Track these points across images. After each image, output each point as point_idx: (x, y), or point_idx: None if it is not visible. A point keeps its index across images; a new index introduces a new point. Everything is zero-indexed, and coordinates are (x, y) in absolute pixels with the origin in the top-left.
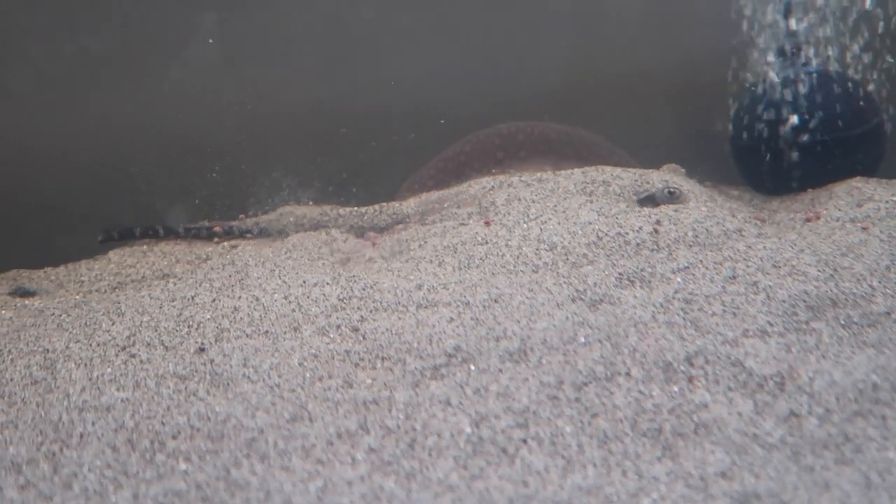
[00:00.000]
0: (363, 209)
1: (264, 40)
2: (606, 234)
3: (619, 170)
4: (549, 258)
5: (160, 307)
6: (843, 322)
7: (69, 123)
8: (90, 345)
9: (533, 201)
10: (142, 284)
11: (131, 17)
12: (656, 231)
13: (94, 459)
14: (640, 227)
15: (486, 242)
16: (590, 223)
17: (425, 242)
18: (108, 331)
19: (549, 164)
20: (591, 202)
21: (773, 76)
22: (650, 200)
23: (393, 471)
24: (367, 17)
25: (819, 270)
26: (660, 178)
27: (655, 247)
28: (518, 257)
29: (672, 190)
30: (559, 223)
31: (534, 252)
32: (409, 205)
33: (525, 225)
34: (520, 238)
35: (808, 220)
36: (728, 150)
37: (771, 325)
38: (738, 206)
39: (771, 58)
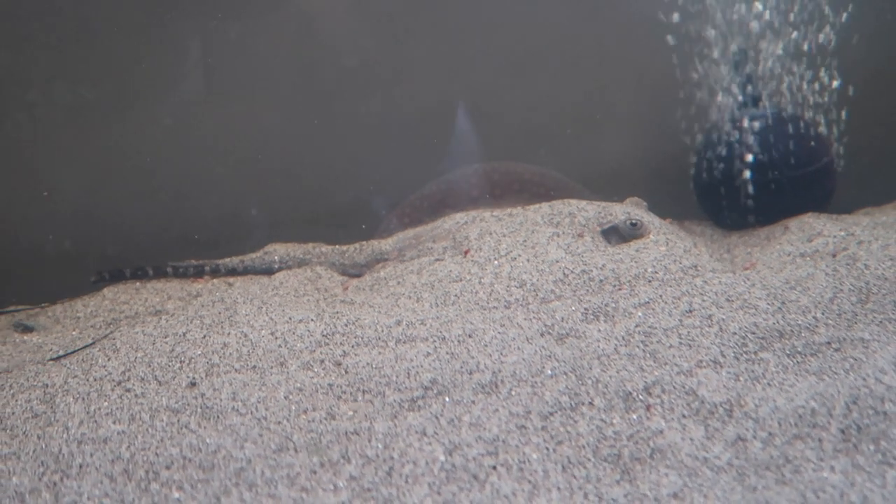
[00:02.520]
0: (345, 247)
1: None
2: (572, 272)
3: (583, 202)
4: (520, 295)
5: (153, 343)
6: (788, 352)
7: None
8: (87, 380)
9: (504, 235)
10: (135, 321)
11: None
12: (621, 288)
13: (92, 489)
14: (604, 265)
15: (461, 280)
16: (557, 261)
17: (403, 280)
18: (105, 366)
19: (522, 203)
20: (559, 235)
21: (732, 119)
22: (613, 231)
23: (372, 497)
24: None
25: (768, 304)
26: (622, 210)
27: (618, 283)
28: (491, 294)
29: (634, 221)
30: (528, 260)
31: (505, 289)
32: (388, 242)
33: (496, 262)
34: (492, 276)
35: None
36: (691, 187)
37: (723, 355)
38: (696, 240)
39: (730, 102)
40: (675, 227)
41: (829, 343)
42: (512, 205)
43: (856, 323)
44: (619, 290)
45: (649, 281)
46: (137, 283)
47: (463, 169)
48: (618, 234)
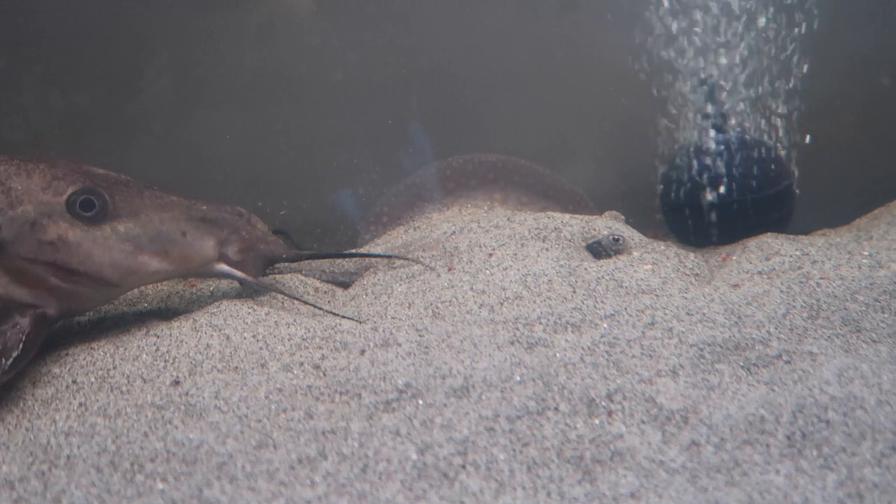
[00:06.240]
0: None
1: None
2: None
3: (567, 216)
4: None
5: (138, 342)
6: (742, 364)
7: None
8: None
9: (494, 248)
10: (120, 320)
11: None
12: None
13: (80, 478)
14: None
15: (453, 286)
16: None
17: (391, 288)
18: (92, 363)
19: (497, 191)
20: (548, 250)
21: (698, 141)
22: (598, 245)
23: (347, 492)
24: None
25: (726, 318)
26: (604, 225)
27: (587, 295)
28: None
29: (616, 237)
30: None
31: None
32: (377, 248)
33: (488, 271)
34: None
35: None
36: (658, 206)
37: (681, 366)
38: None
39: (697, 125)
40: (655, 243)
41: (780, 356)
42: (488, 194)
43: (806, 337)
44: (588, 300)
45: (615, 293)
46: None
47: (439, 162)
48: (601, 248)
